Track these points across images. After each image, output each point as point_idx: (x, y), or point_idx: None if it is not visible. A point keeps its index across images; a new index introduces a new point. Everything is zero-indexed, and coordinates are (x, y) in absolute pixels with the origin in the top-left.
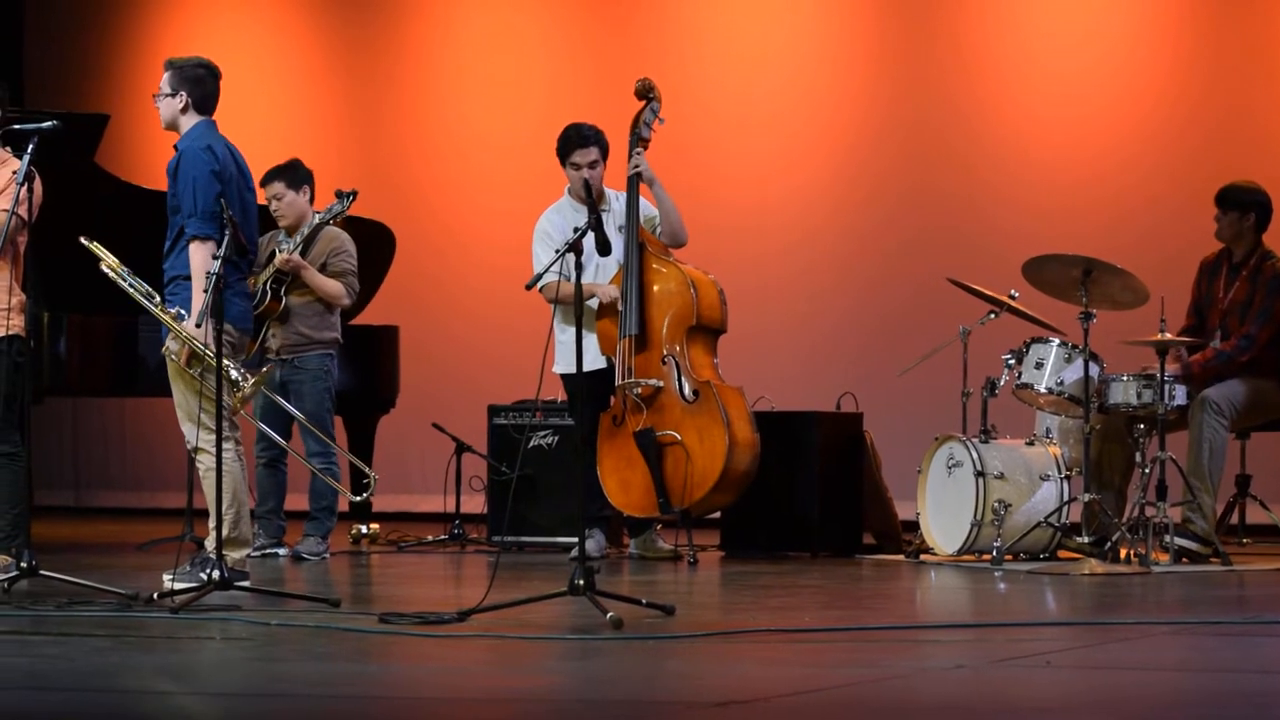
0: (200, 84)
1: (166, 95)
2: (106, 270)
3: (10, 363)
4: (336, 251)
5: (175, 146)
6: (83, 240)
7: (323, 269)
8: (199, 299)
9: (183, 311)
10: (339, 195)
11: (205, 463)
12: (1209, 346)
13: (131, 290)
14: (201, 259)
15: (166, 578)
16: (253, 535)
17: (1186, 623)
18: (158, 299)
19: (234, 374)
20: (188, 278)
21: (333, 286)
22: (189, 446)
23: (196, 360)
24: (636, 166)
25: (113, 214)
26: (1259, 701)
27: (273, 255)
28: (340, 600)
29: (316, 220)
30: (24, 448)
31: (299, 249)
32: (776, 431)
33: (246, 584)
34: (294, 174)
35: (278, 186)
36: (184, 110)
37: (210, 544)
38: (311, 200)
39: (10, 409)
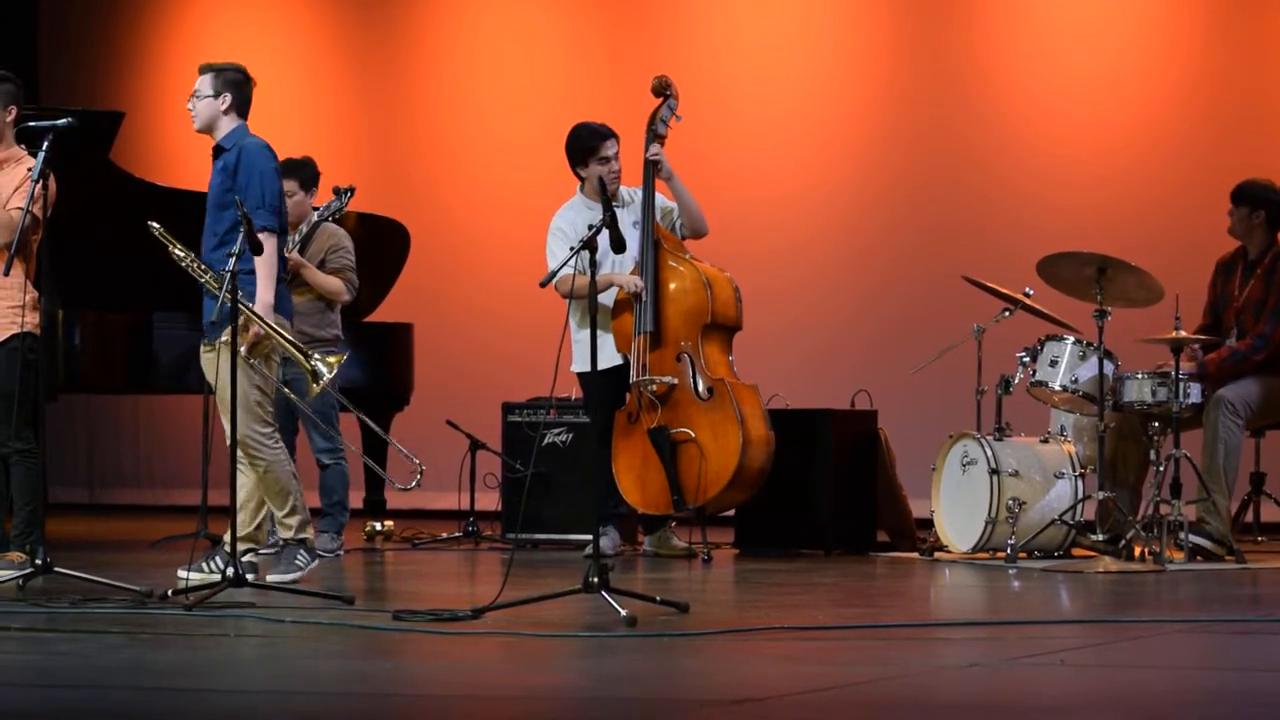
0: (240, 88)
1: (207, 97)
2: (178, 255)
3: (23, 360)
4: (335, 248)
5: (221, 145)
6: (153, 225)
7: (321, 266)
8: (266, 289)
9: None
10: (336, 192)
11: (265, 456)
12: (1224, 345)
13: (202, 277)
14: (268, 250)
15: (181, 573)
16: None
17: (1201, 621)
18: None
19: (320, 366)
20: (251, 271)
21: (332, 283)
22: (230, 440)
23: (259, 349)
24: (656, 155)
25: (127, 211)
26: (1273, 700)
27: None
28: (354, 597)
29: (315, 217)
30: (38, 444)
31: (297, 247)
32: (790, 429)
33: (254, 574)
34: (309, 174)
35: (291, 184)
36: (225, 112)
37: (286, 534)
38: (313, 199)
39: (24, 406)
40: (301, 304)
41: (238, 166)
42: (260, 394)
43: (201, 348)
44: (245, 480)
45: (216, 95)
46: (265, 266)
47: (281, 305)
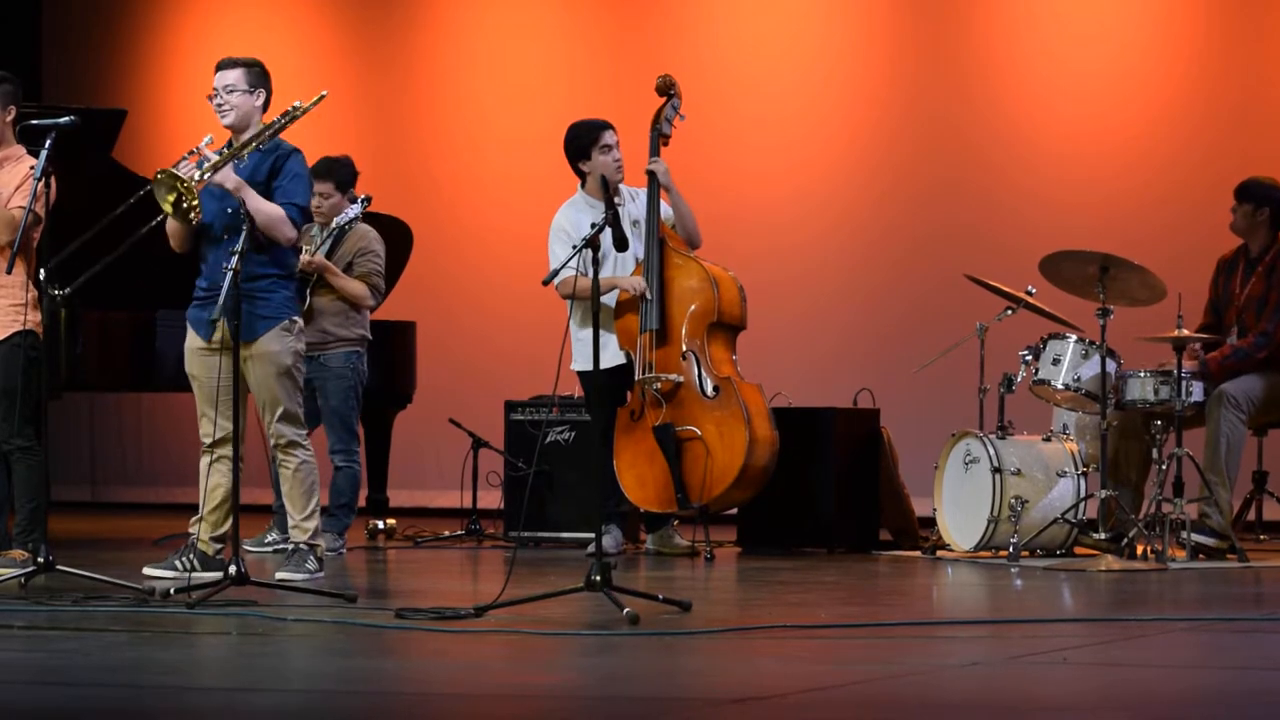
0: (270, 83)
1: (243, 91)
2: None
3: (26, 357)
4: (363, 251)
5: (261, 149)
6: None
7: (348, 268)
8: (252, 194)
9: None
10: (352, 201)
11: (297, 457)
12: (1226, 343)
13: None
14: (281, 218)
15: (148, 570)
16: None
17: (1203, 619)
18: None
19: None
20: (278, 275)
21: (357, 287)
22: (273, 444)
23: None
24: (653, 166)
25: (130, 210)
26: (1276, 699)
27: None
28: (356, 595)
29: (332, 225)
30: (38, 442)
31: (324, 250)
32: (793, 427)
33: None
34: (344, 175)
35: (328, 186)
36: (259, 108)
37: (300, 537)
38: (349, 199)
39: (25, 403)
40: (326, 304)
41: (280, 170)
42: (300, 396)
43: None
44: (223, 480)
45: (252, 90)
46: (264, 210)
47: (292, 307)
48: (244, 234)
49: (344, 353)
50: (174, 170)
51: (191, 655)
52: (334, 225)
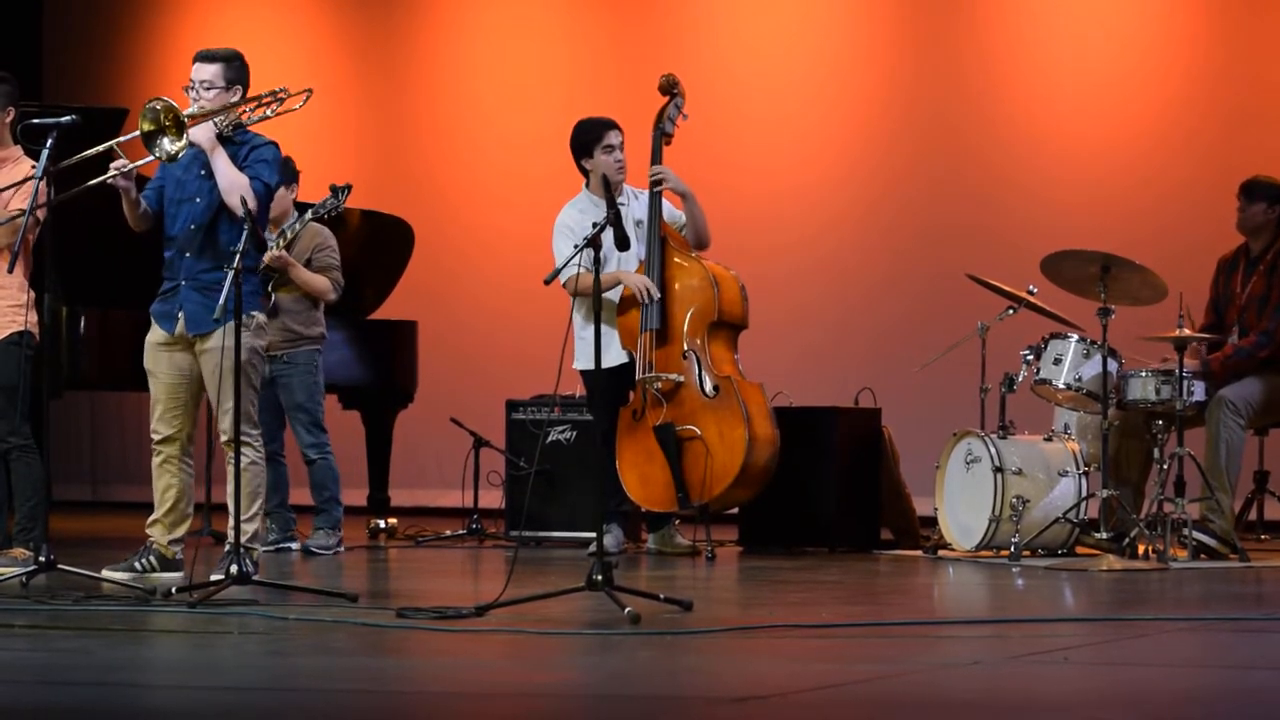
0: (248, 76)
1: (219, 89)
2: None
3: (24, 356)
4: (320, 247)
5: (235, 139)
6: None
7: (307, 265)
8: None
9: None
10: (334, 190)
11: (246, 457)
12: (1228, 343)
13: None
14: (245, 184)
15: (106, 572)
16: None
17: (1204, 619)
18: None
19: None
20: (252, 269)
21: (320, 282)
22: (224, 440)
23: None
24: (659, 175)
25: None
26: (1276, 698)
27: None
28: (357, 595)
29: (309, 215)
30: (33, 440)
31: (283, 246)
32: (794, 427)
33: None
34: (287, 174)
35: None
36: (236, 103)
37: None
38: (293, 194)
39: (24, 403)
40: (289, 302)
41: (250, 156)
42: (254, 393)
43: (196, 343)
44: (174, 481)
45: (228, 87)
46: (235, 170)
47: (254, 301)
48: (245, 233)
49: (307, 350)
50: (172, 104)
51: (192, 655)
52: (310, 214)
